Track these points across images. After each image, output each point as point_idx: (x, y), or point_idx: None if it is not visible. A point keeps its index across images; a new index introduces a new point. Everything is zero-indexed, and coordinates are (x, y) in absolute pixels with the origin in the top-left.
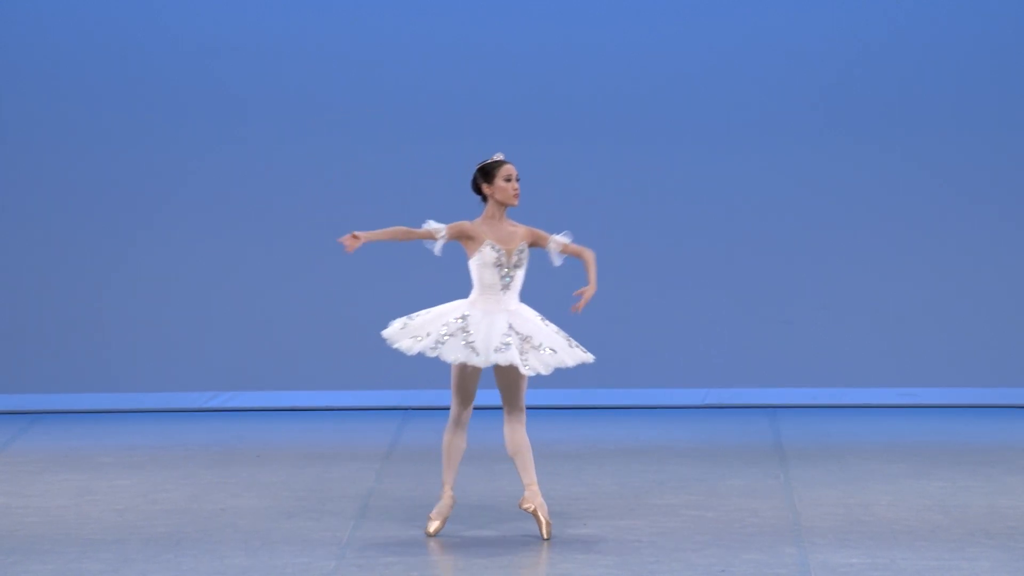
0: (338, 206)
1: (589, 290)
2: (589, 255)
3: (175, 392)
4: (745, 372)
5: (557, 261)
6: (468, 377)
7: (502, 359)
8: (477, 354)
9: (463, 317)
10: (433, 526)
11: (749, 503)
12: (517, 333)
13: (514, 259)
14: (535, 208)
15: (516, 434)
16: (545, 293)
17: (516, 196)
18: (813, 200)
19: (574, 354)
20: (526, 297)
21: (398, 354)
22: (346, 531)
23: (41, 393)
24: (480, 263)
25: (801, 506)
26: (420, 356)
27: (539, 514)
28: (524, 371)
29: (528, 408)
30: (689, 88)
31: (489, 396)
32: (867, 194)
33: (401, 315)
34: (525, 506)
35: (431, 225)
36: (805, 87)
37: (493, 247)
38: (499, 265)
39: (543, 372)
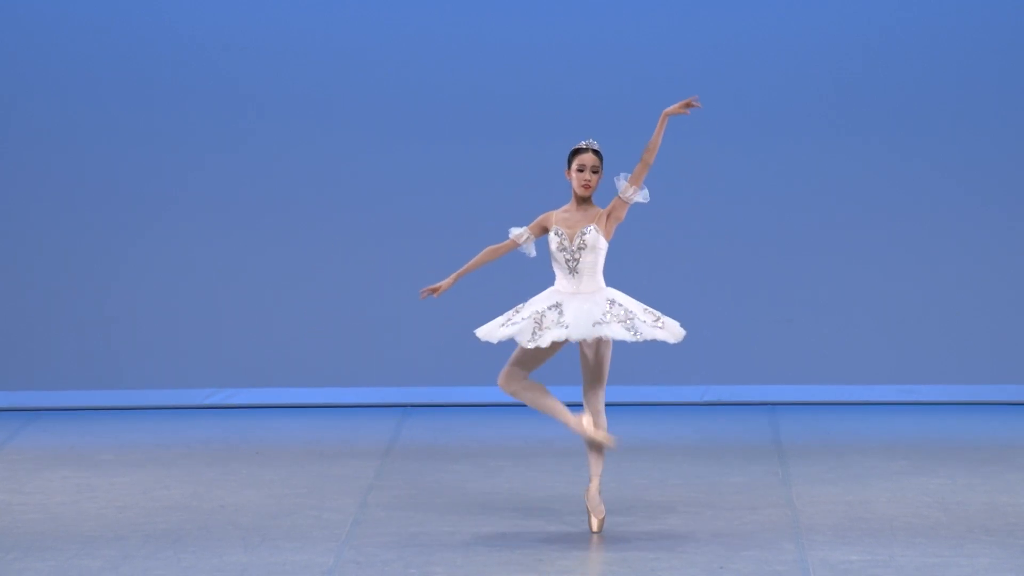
0: (341, 205)
1: (672, 108)
2: (648, 154)
3: (175, 389)
4: (745, 369)
5: (639, 197)
6: (540, 356)
7: (603, 332)
8: (566, 327)
9: (556, 306)
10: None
11: (748, 500)
12: (619, 305)
13: (576, 242)
14: (535, 205)
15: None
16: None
17: (585, 187)
18: (813, 197)
19: (673, 328)
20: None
21: (398, 351)
22: (345, 528)
23: (41, 390)
24: (550, 251)
25: (800, 503)
26: (421, 355)
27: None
28: (630, 337)
29: (526, 406)
30: (688, 85)
31: (489, 394)
32: (867, 191)
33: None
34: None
35: (513, 232)
36: (805, 85)
37: (556, 232)
38: (563, 249)
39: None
